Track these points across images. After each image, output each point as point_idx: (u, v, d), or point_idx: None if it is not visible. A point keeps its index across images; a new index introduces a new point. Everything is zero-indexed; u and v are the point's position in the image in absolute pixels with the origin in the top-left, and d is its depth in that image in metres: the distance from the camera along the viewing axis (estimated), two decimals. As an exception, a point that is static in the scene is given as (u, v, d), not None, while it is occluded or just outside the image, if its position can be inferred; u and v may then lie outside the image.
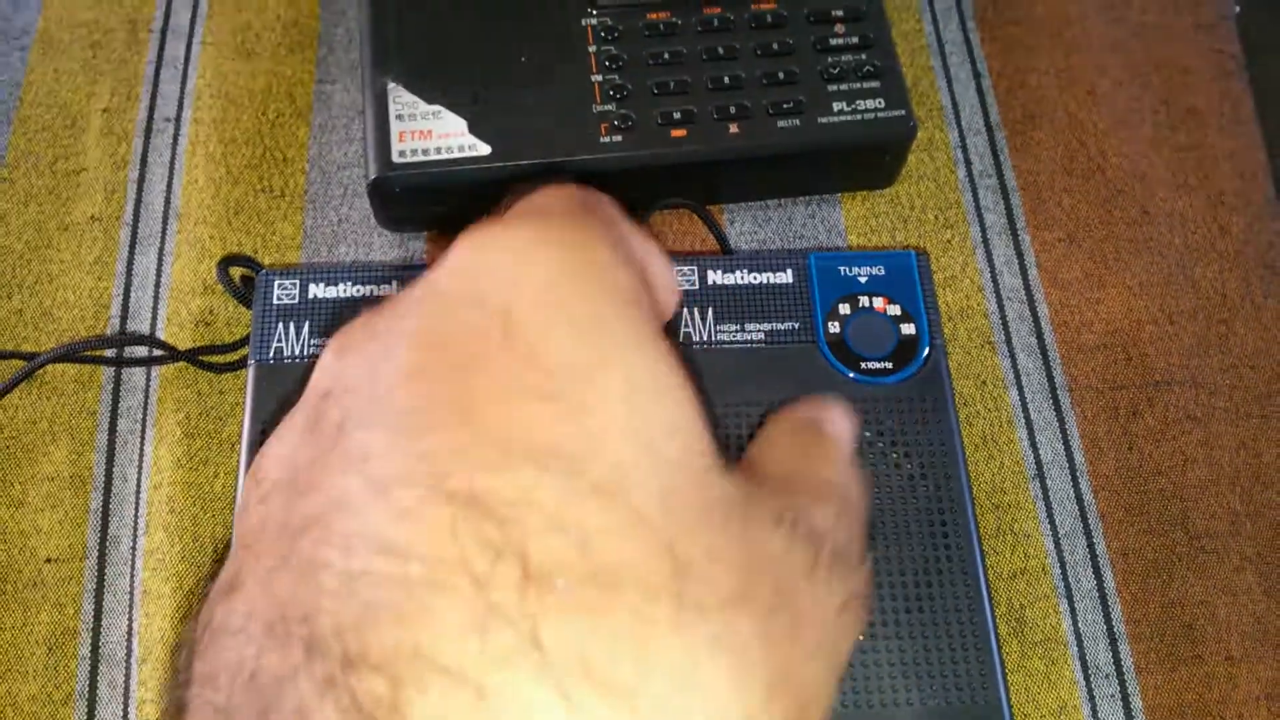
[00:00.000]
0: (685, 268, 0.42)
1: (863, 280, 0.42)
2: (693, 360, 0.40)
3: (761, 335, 0.41)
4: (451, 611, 0.19)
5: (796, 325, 0.41)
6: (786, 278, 0.42)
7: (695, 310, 0.41)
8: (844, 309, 0.42)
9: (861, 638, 0.36)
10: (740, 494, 0.24)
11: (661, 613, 0.20)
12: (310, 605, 0.20)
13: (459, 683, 0.19)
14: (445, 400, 0.22)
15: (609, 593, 0.20)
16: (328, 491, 0.22)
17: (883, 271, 0.42)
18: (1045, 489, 0.43)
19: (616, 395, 0.23)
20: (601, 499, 0.21)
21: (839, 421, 0.35)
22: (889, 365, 0.41)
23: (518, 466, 0.21)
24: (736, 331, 0.41)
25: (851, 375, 0.40)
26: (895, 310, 0.42)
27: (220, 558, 0.42)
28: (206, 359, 0.44)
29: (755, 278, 0.42)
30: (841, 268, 0.42)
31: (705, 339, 0.41)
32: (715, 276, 0.42)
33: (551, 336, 0.23)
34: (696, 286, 0.42)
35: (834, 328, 0.41)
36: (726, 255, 0.45)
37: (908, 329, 0.41)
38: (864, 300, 0.42)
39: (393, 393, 0.22)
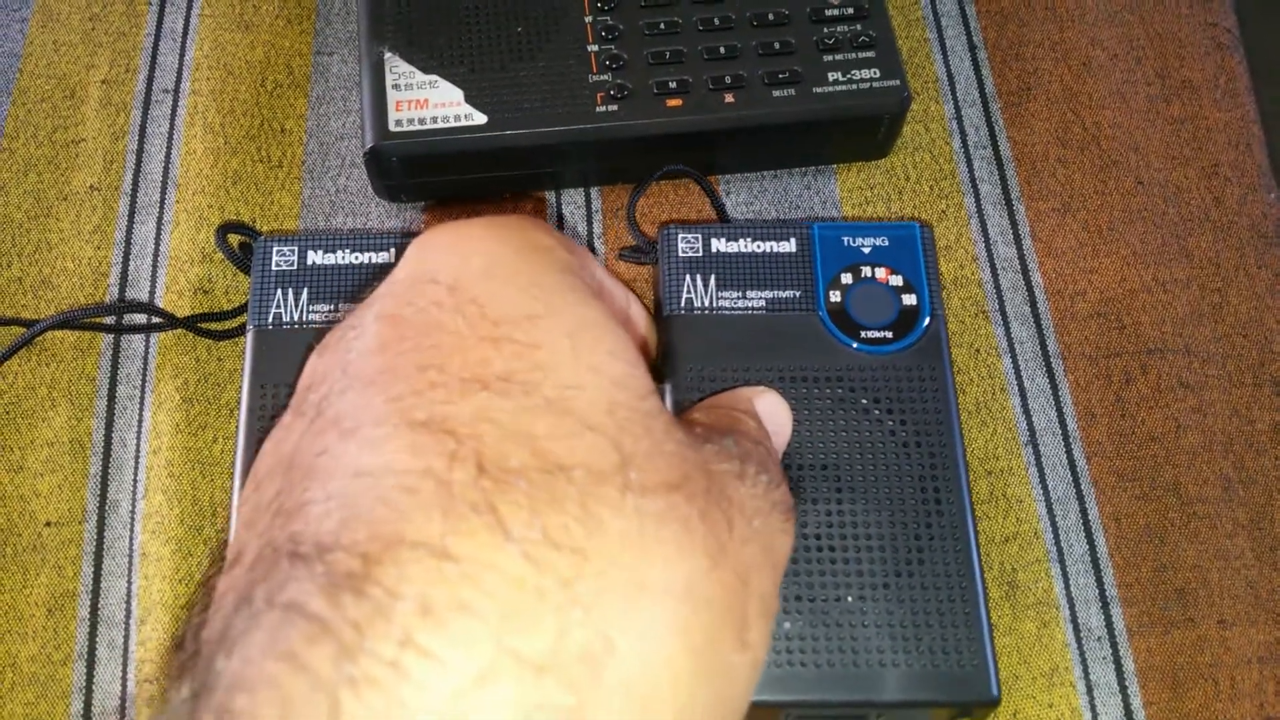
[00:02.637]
0: (690, 235, 0.42)
1: (865, 251, 0.42)
2: (694, 326, 0.41)
3: (763, 303, 0.41)
4: (418, 506, 0.21)
5: (798, 294, 0.42)
6: (790, 247, 0.42)
7: (698, 277, 0.42)
8: (846, 279, 0.42)
9: (850, 599, 0.37)
10: (673, 416, 0.27)
11: (609, 491, 0.23)
12: (294, 531, 0.22)
13: (427, 552, 0.20)
14: (409, 360, 0.24)
15: (560, 477, 0.22)
16: (309, 452, 0.24)
17: (886, 242, 0.42)
18: (1038, 455, 0.44)
19: (561, 334, 0.25)
20: (552, 412, 0.24)
21: (767, 399, 0.37)
22: (889, 335, 0.41)
23: (474, 395, 0.23)
24: (738, 299, 0.41)
25: (851, 344, 0.40)
26: (897, 281, 0.42)
27: (217, 556, 0.42)
28: (205, 326, 0.44)
29: (758, 246, 0.42)
30: (845, 238, 0.42)
31: (707, 305, 0.41)
32: (718, 244, 0.42)
33: (497, 296, 0.26)
34: (700, 254, 0.42)
35: (835, 296, 0.41)
36: (728, 224, 0.45)
37: (909, 299, 0.41)
38: (866, 270, 0.42)
39: (364, 363, 0.25)
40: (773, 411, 0.36)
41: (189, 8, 0.52)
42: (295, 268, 0.42)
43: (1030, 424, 0.44)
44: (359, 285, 0.41)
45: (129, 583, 0.41)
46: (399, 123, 0.44)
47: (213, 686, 0.19)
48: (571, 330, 0.26)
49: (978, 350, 0.45)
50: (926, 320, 0.41)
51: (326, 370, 0.26)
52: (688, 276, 0.42)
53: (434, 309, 0.25)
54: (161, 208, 0.47)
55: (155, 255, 0.46)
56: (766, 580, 0.26)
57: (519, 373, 0.24)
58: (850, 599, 0.37)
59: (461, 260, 0.27)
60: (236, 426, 0.41)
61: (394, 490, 0.21)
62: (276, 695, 0.19)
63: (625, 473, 0.23)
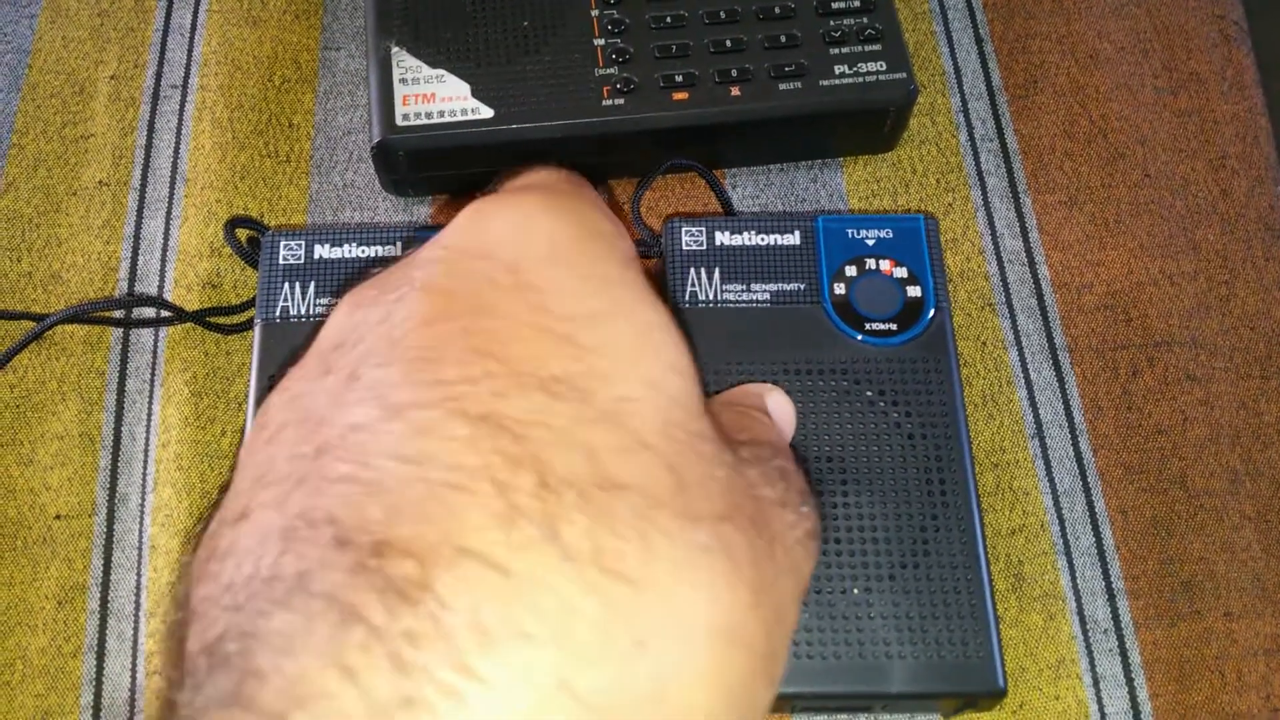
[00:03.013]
0: (694, 228, 0.42)
1: (870, 243, 0.42)
2: (698, 319, 0.41)
3: (767, 296, 0.41)
4: (475, 509, 0.20)
5: (802, 286, 0.42)
6: (794, 239, 0.42)
7: (702, 270, 0.42)
8: (850, 271, 0.42)
9: (856, 591, 0.37)
10: (721, 435, 0.26)
11: (663, 518, 0.22)
12: (333, 510, 0.20)
13: (486, 564, 0.20)
14: (459, 340, 0.23)
15: (616, 497, 0.21)
16: (342, 421, 0.22)
17: (890, 235, 0.42)
18: (1044, 447, 0.44)
19: (622, 339, 0.24)
20: (608, 424, 0.23)
21: (776, 397, 0.36)
22: (893, 327, 0.41)
23: (530, 393, 0.22)
24: (742, 291, 0.41)
25: (856, 336, 0.41)
26: (902, 273, 0.42)
27: (217, 500, 0.42)
28: (214, 320, 0.44)
29: (762, 239, 0.42)
30: (849, 230, 0.42)
31: (711, 298, 0.41)
32: (723, 237, 0.42)
33: (561, 289, 0.25)
34: (704, 247, 0.42)
35: (839, 289, 0.41)
36: (732, 217, 0.45)
37: (914, 291, 0.41)
38: (870, 263, 0.42)
39: (407, 336, 0.23)
40: (780, 410, 0.36)
41: (197, 3, 0.52)
42: (303, 262, 0.42)
43: (1037, 416, 0.44)
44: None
45: (139, 575, 0.41)
46: (406, 117, 0.44)
47: (259, 687, 0.19)
48: (633, 336, 0.25)
49: (984, 343, 0.45)
50: (931, 312, 0.41)
51: (362, 331, 0.24)
52: (692, 270, 0.42)
53: (489, 288, 0.24)
54: (170, 202, 0.48)
55: (164, 250, 0.47)
56: (796, 610, 0.26)
57: (577, 377, 0.23)
58: (856, 591, 0.37)
59: (523, 239, 0.26)
60: (245, 420, 0.42)
61: (446, 488, 0.20)
62: (329, 705, 0.18)
63: (679, 499, 0.22)
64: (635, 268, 0.27)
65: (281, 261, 0.42)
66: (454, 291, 0.24)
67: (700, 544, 0.22)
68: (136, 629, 0.40)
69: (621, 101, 0.45)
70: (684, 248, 0.42)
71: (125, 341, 0.45)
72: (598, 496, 0.21)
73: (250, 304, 0.45)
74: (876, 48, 0.46)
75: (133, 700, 0.40)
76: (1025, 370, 0.45)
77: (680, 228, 0.42)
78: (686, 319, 0.41)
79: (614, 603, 0.20)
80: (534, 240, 0.26)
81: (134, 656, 0.40)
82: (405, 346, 0.23)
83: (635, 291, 0.26)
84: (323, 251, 0.42)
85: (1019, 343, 0.45)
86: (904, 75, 0.46)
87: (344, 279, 0.41)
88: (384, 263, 0.42)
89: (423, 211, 0.48)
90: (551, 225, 0.26)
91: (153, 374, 0.44)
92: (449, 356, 0.23)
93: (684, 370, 0.25)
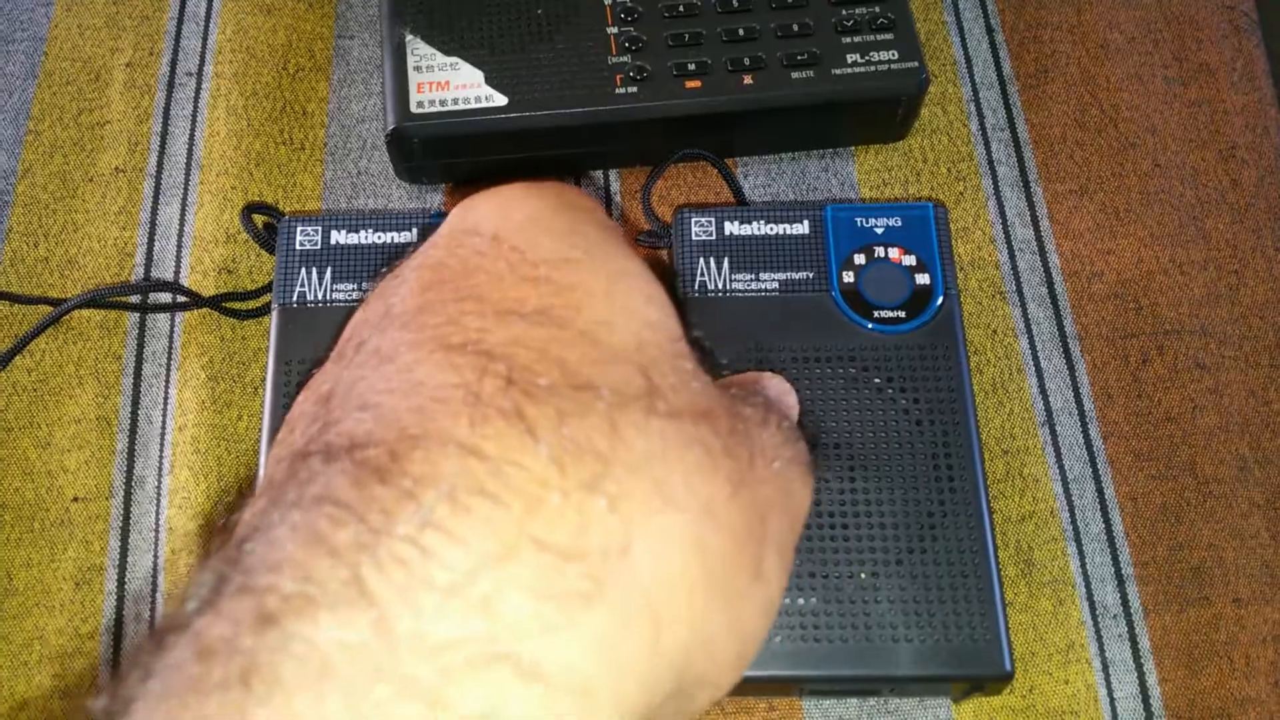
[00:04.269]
0: (703, 218, 0.43)
1: (879, 231, 0.43)
2: (708, 309, 0.41)
3: (776, 285, 0.42)
4: (447, 411, 0.22)
5: (811, 275, 0.42)
6: (803, 229, 0.43)
7: (711, 260, 0.42)
8: (859, 259, 0.42)
9: (864, 575, 0.37)
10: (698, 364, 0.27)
11: (635, 413, 0.23)
12: (328, 440, 0.22)
13: (456, 448, 0.21)
14: (449, 297, 0.25)
15: (588, 393, 0.23)
16: (348, 385, 0.24)
17: (899, 223, 0.43)
18: (1055, 435, 0.44)
19: (597, 277, 0.26)
20: (583, 342, 0.24)
21: (772, 380, 0.37)
22: (902, 314, 0.41)
23: (510, 324, 0.24)
24: (751, 281, 0.42)
25: (865, 324, 0.41)
26: (910, 260, 0.42)
27: (234, 500, 0.42)
28: (229, 305, 0.45)
29: (771, 228, 0.43)
30: (858, 219, 0.43)
31: (720, 288, 0.41)
32: (732, 227, 0.43)
33: (538, 242, 0.26)
34: (714, 237, 0.42)
35: (848, 277, 0.42)
36: (741, 207, 0.45)
37: (922, 279, 0.42)
38: (879, 251, 0.42)
39: (404, 305, 0.26)
40: (778, 393, 0.36)
41: (212, -8, 0.53)
42: (319, 247, 0.42)
43: (1047, 404, 0.44)
44: (382, 264, 0.42)
45: (155, 557, 0.41)
46: (420, 104, 0.45)
47: (238, 567, 0.20)
48: (608, 275, 0.26)
49: (995, 331, 0.46)
50: (940, 299, 0.41)
51: (367, 317, 0.26)
52: (701, 259, 0.42)
53: (476, 256, 0.26)
54: (185, 189, 0.48)
55: (180, 236, 0.47)
56: (784, 526, 0.26)
57: (554, 308, 0.24)
58: (864, 575, 0.37)
59: (503, 214, 0.27)
60: (261, 403, 0.42)
61: (426, 400, 0.22)
62: (299, 571, 0.19)
63: (652, 399, 0.23)
64: (612, 231, 0.29)
65: (298, 246, 0.42)
66: (445, 264, 0.26)
67: (673, 436, 0.23)
68: (153, 610, 0.41)
69: (634, 90, 0.45)
70: (693, 238, 0.42)
71: (142, 326, 0.45)
72: (569, 393, 0.22)
73: (265, 289, 0.45)
74: (888, 37, 0.46)
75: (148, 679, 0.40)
76: (1035, 358, 0.45)
77: (689, 218, 0.43)
78: (696, 309, 0.41)
79: (581, 475, 0.21)
80: (514, 213, 0.27)
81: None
82: (399, 312, 0.25)
83: (610, 245, 0.27)
84: (339, 237, 0.42)
85: (1029, 331, 0.46)
86: (915, 64, 0.46)
87: (360, 264, 0.42)
88: (399, 249, 0.42)
89: (436, 199, 0.48)
90: (530, 202, 0.28)
91: (169, 358, 0.45)
92: (438, 310, 0.25)
93: (660, 302, 0.27)
